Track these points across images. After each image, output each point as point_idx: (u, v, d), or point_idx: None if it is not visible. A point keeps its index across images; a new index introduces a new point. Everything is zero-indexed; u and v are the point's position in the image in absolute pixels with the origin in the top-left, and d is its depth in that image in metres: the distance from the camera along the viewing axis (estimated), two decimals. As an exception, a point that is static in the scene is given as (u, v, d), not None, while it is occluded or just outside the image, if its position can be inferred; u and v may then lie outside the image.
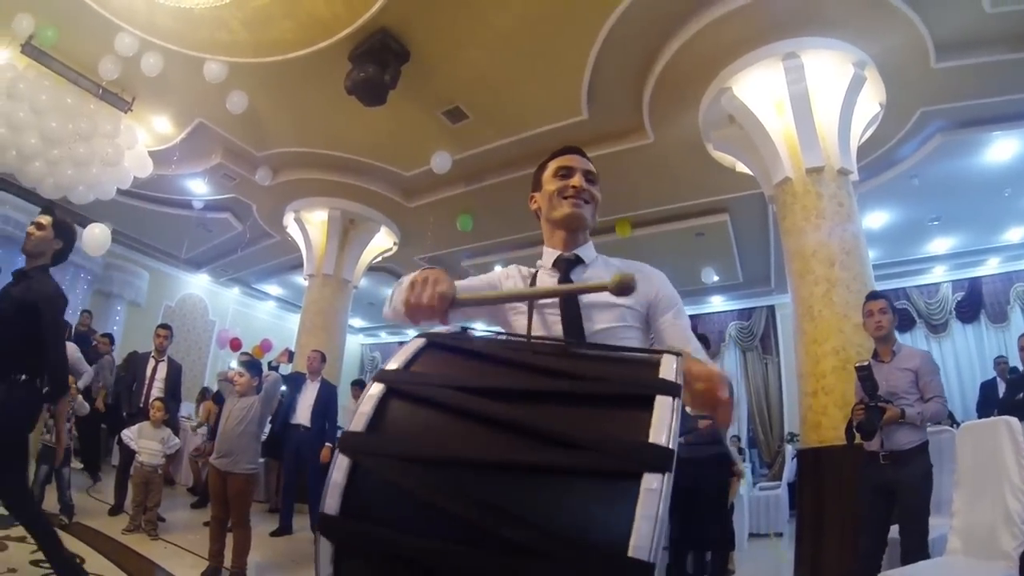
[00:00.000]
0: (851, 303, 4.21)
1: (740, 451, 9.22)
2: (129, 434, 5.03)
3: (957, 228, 8.65)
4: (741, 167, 5.83)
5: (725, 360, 11.40)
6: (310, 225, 8.38)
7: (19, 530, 4.06)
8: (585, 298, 1.37)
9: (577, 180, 1.51)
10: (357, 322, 15.63)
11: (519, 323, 1.42)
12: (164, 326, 5.90)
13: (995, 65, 4.96)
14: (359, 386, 7.92)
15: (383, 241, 8.80)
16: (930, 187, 7.05)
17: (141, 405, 5.50)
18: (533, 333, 1.28)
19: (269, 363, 6.44)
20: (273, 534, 5.47)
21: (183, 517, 5.68)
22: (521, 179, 6.80)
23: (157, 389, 5.59)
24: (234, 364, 6.25)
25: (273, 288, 13.44)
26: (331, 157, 7.14)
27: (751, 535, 6.64)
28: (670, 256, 8.96)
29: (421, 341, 0.92)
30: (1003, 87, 5.26)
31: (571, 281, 1.44)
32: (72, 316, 8.86)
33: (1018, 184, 7.19)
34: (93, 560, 3.90)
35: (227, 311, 13.68)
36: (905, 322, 10.28)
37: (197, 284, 13.23)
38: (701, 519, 3.94)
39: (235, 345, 11.21)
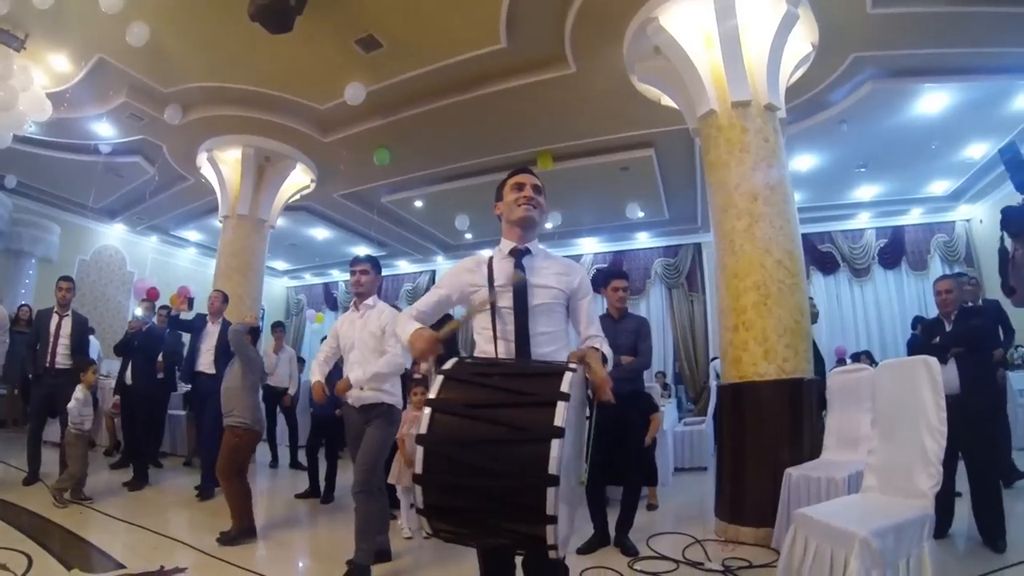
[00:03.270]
0: (773, 239, 4.23)
1: (665, 387, 9.49)
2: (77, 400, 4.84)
3: (883, 176, 8.89)
4: (666, 100, 5.70)
5: (651, 297, 11.61)
6: (224, 164, 7.91)
7: None
8: (531, 282, 1.95)
9: (528, 192, 2.04)
10: (280, 264, 15.24)
11: (482, 316, 2.00)
12: (65, 278, 5.51)
13: (931, 16, 4.95)
14: (280, 328, 7.81)
15: (300, 179, 8.41)
16: (859, 134, 7.13)
17: (47, 364, 5.19)
18: (493, 303, 1.93)
19: (169, 313, 6.12)
20: (200, 497, 5.20)
21: (105, 479, 5.46)
22: (439, 111, 6.56)
23: (63, 346, 5.27)
24: (139, 312, 5.86)
25: (192, 234, 12.80)
26: (242, 91, 6.62)
27: (676, 469, 6.84)
28: (594, 190, 8.95)
29: (441, 377, 1.59)
30: (938, 39, 5.27)
31: (522, 266, 1.98)
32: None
33: (945, 138, 7.40)
34: (6, 534, 3.71)
35: (146, 261, 13.03)
36: (829, 265, 10.71)
37: (113, 235, 12.46)
38: (624, 453, 3.98)
39: (152, 295, 10.61)
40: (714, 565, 3.39)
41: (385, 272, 13.96)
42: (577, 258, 12.10)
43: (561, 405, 1.42)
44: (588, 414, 1.77)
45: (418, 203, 9.73)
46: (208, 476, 5.07)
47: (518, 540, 1.53)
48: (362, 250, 12.59)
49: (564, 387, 1.46)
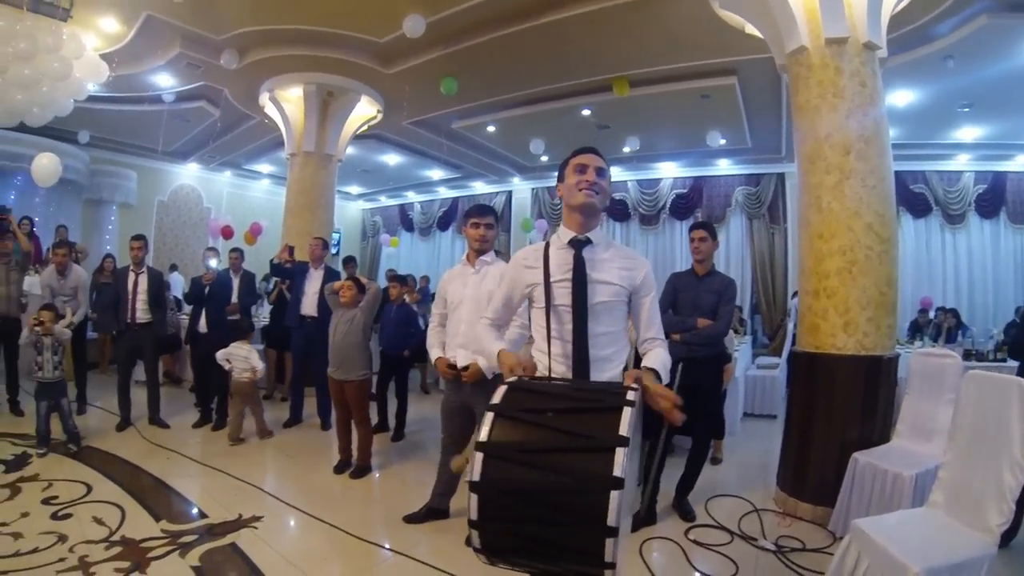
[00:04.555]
0: (864, 199, 3.77)
1: (742, 321, 9.18)
2: (224, 354, 5.34)
3: (989, 118, 7.98)
4: (751, 28, 5.09)
5: (730, 227, 11.06)
6: (287, 103, 7.90)
7: (33, 469, 4.29)
8: (592, 277, 1.81)
9: (590, 175, 1.85)
10: (354, 189, 15.37)
11: (538, 313, 1.89)
12: (137, 237, 5.67)
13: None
14: (351, 263, 7.84)
15: (366, 110, 8.26)
16: (966, 71, 6.32)
17: (128, 320, 5.48)
18: (546, 304, 1.83)
19: (271, 261, 6.35)
20: (285, 425, 5.83)
21: (190, 420, 5.83)
22: (506, 38, 6.18)
23: (141, 301, 5.51)
24: (212, 264, 6.07)
25: (264, 166, 13.07)
26: (296, 31, 6.48)
27: (745, 415, 6.70)
28: (673, 116, 8.46)
29: (491, 415, 1.48)
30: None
31: (583, 258, 1.82)
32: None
33: (1064, 82, 6.45)
34: (101, 486, 4.01)
35: (221, 195, 13.54)
36: (920, 208, 9.81)
37: (187, 174, 12.94)
38: (695, 414, 3.86)
39: (227, 233, 11.01)
40: (767, 543, 3.33)
41: (460, 193, 14.43)
42: (656, 182, 11.70)
43: (620, 452, 1.34)
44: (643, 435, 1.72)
45: (490, 128, 9.46)
46: (297, 407, 5.98)
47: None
48: (436, 173, 12.68)
49: (623, 430, 1.37)
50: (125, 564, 2.91)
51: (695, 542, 3.38)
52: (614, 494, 1.29)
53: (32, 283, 6.45)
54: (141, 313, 5.50)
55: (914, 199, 9.81)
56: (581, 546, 1.34)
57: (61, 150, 9.31)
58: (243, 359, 5.30)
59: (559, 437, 1.41)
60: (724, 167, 10.97)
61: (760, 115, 8.14)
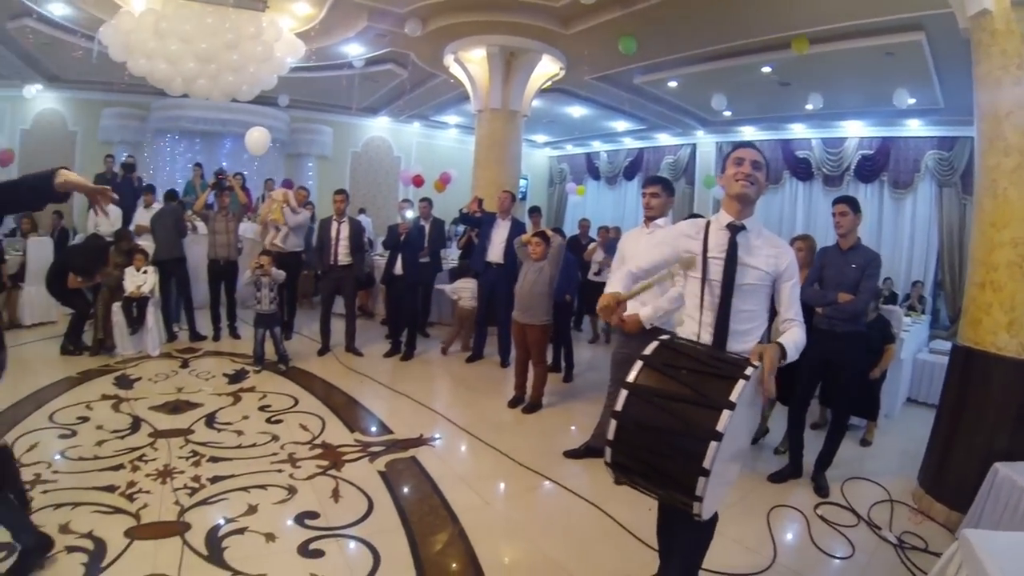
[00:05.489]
0: (1045, 188, 3.42)
1: (921, 298, 8.32)
2: (452, 289, 6.95)
3: None
4: (937, -18, 4.54)
5: (917, 193, 9.93)
6: (470, 63, 8.47)
7: (250, 383, 5.23)
8: (743, 261, 2.07)
9: (746, 167, 2.09)
10: (540, 138, 15.73)
11: (693, 283, 2.17)
12: (339, 191, 6.59)
13: None
14: (536, 212, 7.96)
15: (549, 67, 8.63)
16: None
17: (331, 262, 6.39)
18: (702, 276, 2.12)
19: (461, 210, 7.14)
20: (468, 360, 6.55)
21: (380, 349, 6.76)
22: None
23: (343, 247, 6.40)
24: (408, 215, 6.99)
25: (451, 117, 13.74)
26: (471, 0, 6.98)
27: (909, 400, 6.30)
28: (856, 74, 7.81)
29: (640, 362, 1.90)
30: None
31: (736, 242, 2.08)
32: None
33: None
34: (305, 399, 4.96)
35: (411, 145, 14.51)
36: None
37: (378, 127, 14.08)
38: (844, 389, 3.96)
39: (417, 182, 12.09)
40: (890, 536, 3.35)
41: (645, 144, 14.47)
42: (840, 141, 10.81)
43: (726, 413, 1.68)
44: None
45: (672, 83, 9.40)
46: (479, 345, 6.66)
47: (675, 502, 1.88)
48: (621, 125, 12.78)
49: (733, 395, 1.71)
50: (324, 462, 3.72)
51: (821, 518, 3.49)
52: (712, 444, 1.66)
53: (245, 229, 7.62)
54: (342, 256, 6.39)
55: None
56: (680, 478, 1.73)
57: (263, 113, 11.01)
58: (470, 291, 6.58)
59: (684, 390, 1.79)
60: (914, 127, 9.82)
61: (953, 73, 7.19)
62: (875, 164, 10.31)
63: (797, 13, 6.19)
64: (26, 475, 3.13)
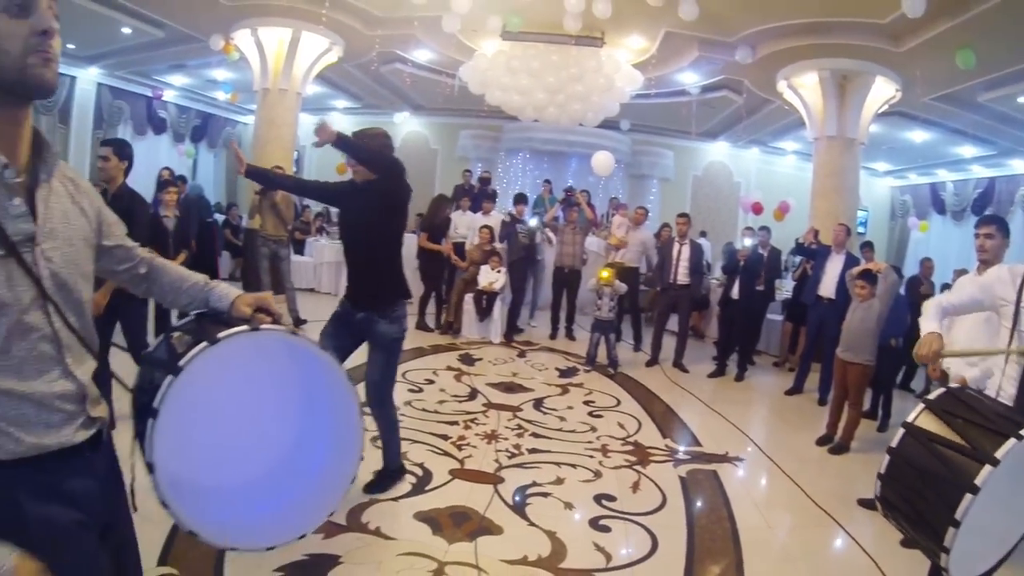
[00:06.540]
0: None
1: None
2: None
3: None
4: None
5: None
6: (803, 89, 8.35)
7: (579, 379, 5.94)
8: None
9: (980, 241, 2.65)
10: (881, 166, 14.39)
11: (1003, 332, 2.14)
12: (682, 215, 7.05)
13: None
14: (868, 247, 7.37)
15: (884, 91, 8.09)
16: None
17: (671, 281, 6.79)
18: (1012, 326, 2.08)
19: (797, 240, 7.18)
20: (787, 392, 6.26)
21: (706, 369, 6.89)
22: None
23: (683, 267, 6.77)
24: (747, 242, 7.13)
25: (788, 143, 13.38)
26: (800, 24, 6.96)
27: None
28: None
29: (943, 390, 1.92)
30: None
31: None
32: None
33: None
34: (627, 402, 5.35)
35: (749, 171, 14.28)
36: None
37: (718, 151, 14.16)
38: None
39: (756, 209, 11.78)
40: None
41: (997, 173, 12.78)
42: None
43: (987, 468, 1.61)
44: None
45: (1022, 99, 8.04)
46: (800, 378, 6.28)
47: (927, 551, 1.86)
48: (968, 150, 11.31)
49: (1000, 453, 1.62)
50: (632, 458, 4.08)
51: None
52: (967, 496, 1.60)
53: (590, 243, 8.37)
54: (681, 276, 6.78)
55: None
56: (932, 522, 1.71)
57: (606, 136, 11.98)
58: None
59: (955, 438, 1.76)
60: None
61: None
62: None
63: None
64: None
